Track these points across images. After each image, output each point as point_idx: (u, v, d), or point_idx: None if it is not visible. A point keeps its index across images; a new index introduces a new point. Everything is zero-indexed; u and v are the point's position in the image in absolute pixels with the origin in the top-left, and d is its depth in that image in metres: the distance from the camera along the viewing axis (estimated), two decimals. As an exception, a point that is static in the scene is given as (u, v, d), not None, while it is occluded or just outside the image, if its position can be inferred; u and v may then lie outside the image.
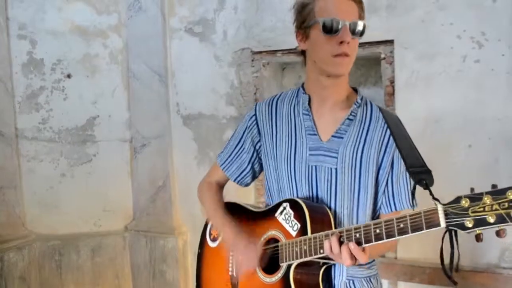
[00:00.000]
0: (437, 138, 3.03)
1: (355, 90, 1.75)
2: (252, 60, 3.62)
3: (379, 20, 3.14)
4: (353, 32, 1.56)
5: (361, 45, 3.19)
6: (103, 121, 3.91)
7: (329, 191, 1.67)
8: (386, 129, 1.66)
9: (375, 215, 1.74)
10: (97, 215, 3.93)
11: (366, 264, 1.71)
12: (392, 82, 3.17)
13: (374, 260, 1.78)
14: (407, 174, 1.64)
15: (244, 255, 1.68)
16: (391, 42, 3.14)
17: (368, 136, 1.66)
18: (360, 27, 1.56)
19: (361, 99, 1.71)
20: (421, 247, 3.08)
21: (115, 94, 3.93)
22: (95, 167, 3.92)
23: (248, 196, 3.51)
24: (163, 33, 3.80)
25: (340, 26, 1.55)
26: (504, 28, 2.83)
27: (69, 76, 3.81)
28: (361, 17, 1.59)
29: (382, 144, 1.66)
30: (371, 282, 1.75)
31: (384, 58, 3.20)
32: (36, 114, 3.77)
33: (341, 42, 1.55)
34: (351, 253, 1.42)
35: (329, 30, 1.56)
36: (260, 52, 3.56)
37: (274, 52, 3.51)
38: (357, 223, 1.66)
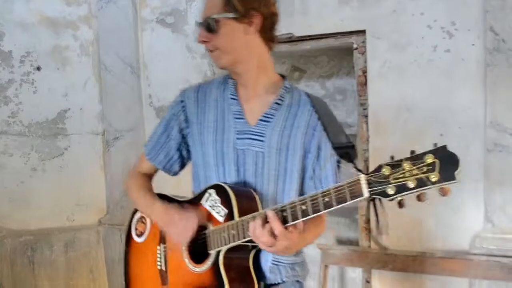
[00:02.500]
0: (409, 127, 3.07)
1: (283, 77, 1.78)
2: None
3: (351, 10, 3.15)
4: (207, 29, 1.63)
5: (333, 35, 3.24)
6: (75, 114, 3.85)
7: (256, 175, 1.69)
8: (313, 114, 1.69)
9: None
10: (70, 210, 3.88)
11: None
12: (364, 72, 3.19)
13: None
14: (335, 158, 1.67)
15: (180, 225, 1.65)
16: (363, 32, 3.16)
17: (295, 121, 1.69)
18: (209, 23, 1.62)
19: (290, 85, 1.75)
20: (394, 235, 3.12)
21: (87, 87, 3.86)
22: (67, 161, 3.86)
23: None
24: (134, 24, 3.75)
25: (198, 27, 1.66)
26: (474, 18, 2.87)
27: (38, 68, 3.73)
28: (221, 10, 1.61)
29: (309, 128, 1.69)
30: (295, 269, 1.77)
31: (356, 48, 3.21)
32: (5, 107, 3.69)
33: (200, 42, 1.66)
34: (273, 235, 1.42)
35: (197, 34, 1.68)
36: (233, 43, 3.54)
37: (247, 43, 3.50)
38: None
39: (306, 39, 3.32)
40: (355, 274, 3.51)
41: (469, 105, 2.93)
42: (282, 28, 3.28)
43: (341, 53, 3.62)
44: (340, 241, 3.89)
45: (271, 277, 1.72)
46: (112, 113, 3.88)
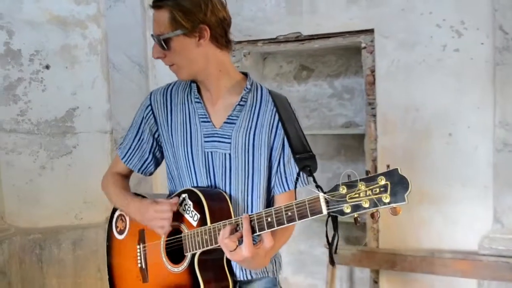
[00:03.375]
0: (417, 126, 3.06)
1: (245, 75, 1.80)
2: (233, 50, 3.60)
3: (359, 9, 3.14)
4: (161, 46, 1.64)
5: (341, 34, 3.24)
6: (83, 113, 3.86)
7: (224, 177, 1.73)
8: (275, 112, 1.71)
9: (269, 197, 1.79)
10: (78, 208, 3.89)
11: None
12: (372, 71, 3.18)
13: None
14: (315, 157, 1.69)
15: (157, 216, 1.68)
16: (371, 31, 3.14)
17: (259, 120, 1.72)
18: (160, 42, 1.63)
19: (251, 84, 1.75)
20: (402, 235, 3.11)
21: (95, 85, 3.87)
22: (75, 159, 3.87)
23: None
24: (143, 23, 3.76)
25: (154, 43, 1.68)
26: (483, 17, 2.86)
27: (47, 67, 3.75)
28: (169, 29, 1.61)
29: (272, 127, 1.72)
30: None
31: (364, 48, 3.20)
32: (14, 106, 3.70)
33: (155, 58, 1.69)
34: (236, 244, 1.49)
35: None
36: (241, 42, 3.54)
37: (255, 41, 3.50)
38: (251, 206, 1.74)
39: (314, 38, 3.31)
40: (363, 274, 3.50)
41: (478, 105, 2.91)
42: (291, 27, 3.30)
43: (349, 52, 3.60)
44: (348, 241, 3.88)
45: (240, 274, 1.76)
46: (120, 112, 3.89)
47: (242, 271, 1.76)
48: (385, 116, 3.14)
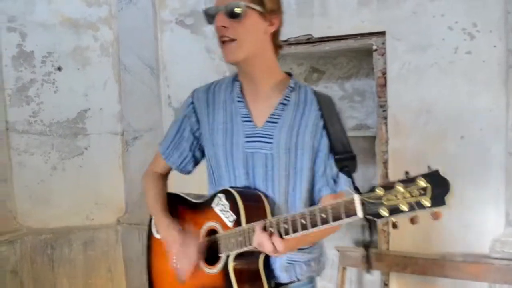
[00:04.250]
0: (429, 129, 3.04)
1: (289, 75, 1.77)
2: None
3: (370, 11, 3.14)
4: (231, 15, 1.57)
5: (353, 36, 3.23)
6: (94, 114, 3.89)
7: (266, 177, 1.69)
8: (319, 112, 1.68)
9: (313, 198, 1.75)
10: (89, 208, 3.92)
11: (307, 248, 1.75)
12: (384, 73, 3.17)
13: (317, 243, 1.80)
14: (356, 158, 1.66)
15: (183, 253, 1.71)
16: (382, 33, 3.13)
17: (303, 120, 1.68)
18: (236, 8, 1.56)
19: (295, 84, 1.73)
20: (413, 238, 3.10)
21: (106, 87, 3.90)
22: (87, 160, 3.90)
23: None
24: (154, 25, 3.77)
25: (214, 13, 1.60)
26: (496, 20, 2.84)
27: (59, 68, 3.78)
28: (250, 0, 1.58)
29: (317, 127, 1.68)
30: (310, 265, 1.77)
31: (376, 50, 3.20)
32: (27, 107, 3.74)
33: (218, 27, 1.59)
34: (272, 242, 1.47)
35: (208, 20, 1.64)
36: (252, 44, 3.55)
37: (265, 44, 3.50)
38: (293, 208, 1.69)
39: (325, 41, 3.31)
40: (373, 276, 3.49)
41: (490, 108, 2.89)
42: (301, 29, 3.30)
43: (361, 54, 3.60)
44: (359, 243, 3.87)
45: (285, 276, 1.73)
46: (131, 113, 3.91)
47: (288, 273, 1.72)
48: (396, 119, 3.13)
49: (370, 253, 1.46)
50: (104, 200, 3.94)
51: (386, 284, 3.23)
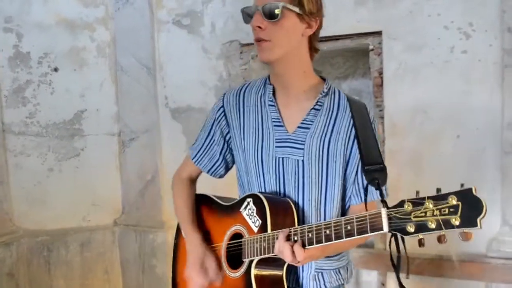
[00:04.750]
0: (425, 128, 3.05)
1: (324, 79, 1.73)
2: (241, 53, 3.61)
3: (367, 11, 3.14)
4: (268, 15, 1.54)
5: (349, 36, 3.23)
6: (91, 115, 3.88)
7: (296, 184, 1.65)
8: (352, 121, 1.63)
9: (344, 206, 1.72)
10: (85, 210, 3.91)
11: (335, 256, 1.72)
12: (380, 73, 3.17)
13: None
14: (386, 170, 1.60)
15: (194, 280, 1.73)
16: (379, 33, 3.14)
17: (335, 126, 1.64)
18: (274, 9, 1.53)
19: (329, 89, 1.68)
20: (410, 238, 3.10)
21: (103, 88, 3.90)
22: (83, 161, 3.89)
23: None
24: (150, 25, 3.77)
25: (252, 12, 1.57)
26: (491, 19, 2.85)
27: (56, 69, 3.77)
28: (288, 1, 1.54)
29: (350, 134, 1.64)
30: (339, 273, 1.74)
31: (372, 50, 3.20)
32: (23, 108, 3.73)
33: (254, 27, 1.56)
34: (293, 252, 1.44)
35: (246, 19, 1.61)
36: (249, 44, 3.55)
37: (262, 44, 3.50)
38: (325, 215, 1.66)
39: (322, 40, 3.29)
40: (370, 277, 3.48)
41: (486, 107, 2.89)
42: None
43: (357, 54, 3.60)
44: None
45: (313, 284, 1.69)
46: (128, 114, 3.91)
47: (316, 281, 1.69)
48: (392, 119, 3.14)
49: (398, 273, 1.36)
50: (101, 202, 3.94)
51: (383, 284, 3.23)
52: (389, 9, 3.08)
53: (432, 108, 3.03)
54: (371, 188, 1.59)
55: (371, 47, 3.20)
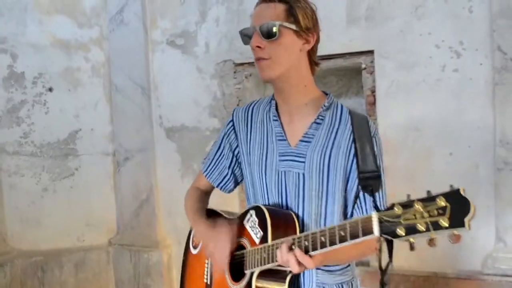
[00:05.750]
0: (418, 146, 3.07)
1: (326, 94, 1.74)
2: (235, 72, 3.64)
3: (359, 30, 3.18)
4: (266, 35, 1.57)
5: (342, 55, 3.27)
6: (85, 135, 3.89)
7: (297, 197, 1.66)
8: (351, 131, 1.64)
9: (346, 219, 1.70)
10: (80, 230, 3.89)
11: (338, 270, 1.70)
12: (373, 91, 3.20)
13: (348, 266, 1.75)
14: (381, 177, 1.62)
15: (217, 246, 1.68)
16: (371, 52, 3.17)
17: (336, 140, 1.65)
18: (271, 28, 1.56)
19: (331, 103, 1.69)
20: (405, 255, 3.10)
21: (98, 107, 3.91)
22: (78, 181, 3.89)
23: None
24: (145, 45, 3.80)
25: (250, 33, 1.61)
26: (481, 38, 2.88)
27: (50, 89, 3.79)
28: (285, 20, 1.58)
29: (351, 148, 1.64)
30: None
31: (364, 68, 3.23)
32: (17, 128, 3.74)
33: (254, 48, 1.60)
34: (298, 260, 1.43)
35: (245, 40, 1.65)
36: (243, 64, 3.58)
37: (256, 63, 3.53)
38: None
39: (315, 60, 3.34)
40: (365, 295, 3.48)
41: (478, 125, 2.92)
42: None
43: (350, 73, 3.63)
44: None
45: None
46: (122, 134, 3.91)
47: None
48: (385, 136, 3.14)
49: (384, 277, 1.33)
50: (95, 221, 3.93)
51: (378, 302, 3.21)
52: (380, 29, 3.12)
53: (424, 125, 3.05)
54: (366, 200, 1.63)
55: (363, 65, 3.23)
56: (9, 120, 3.72)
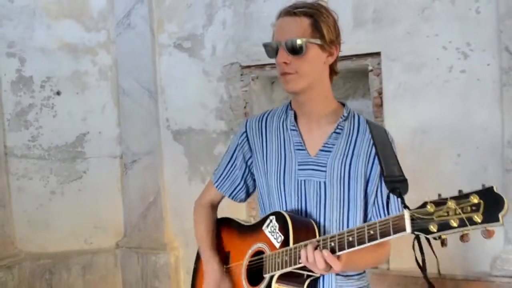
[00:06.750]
0: (425, 148, 3.06)
1: (343, 104, 1.76)
2: (241, 75, 3.64)
3: (366, 32, 3.18)
4: (291, 51, 1.59)
5: (349, 57, 3.26)
6: (93, 138, 3.91)
7: (318, 205, 1.68)
8: (372, 142, 1.66)
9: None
10: (87, 232, 3.91)
11: (355, 275, 1.72)
12: (380, 93, 3.20)
13: (364, 272, 1.77)
14: (407, 181, 1.61)
15: None
16: (378, 54, 3.17)
17: (355, 149, 1.67)
18: (296, 44, 1.58)
19: (348, 113, 1.72)
20: (413, 257, 3.08)
21: (105, 111, 3.93)
22: (85, 184, 3.90)
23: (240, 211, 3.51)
24: (152, 49, 3.82)
25: (276, 48, 1.62)
26: (488, 38, 2.88)
27: (58, 93, 3.81)
28: (310, 35, 1.59)
29: (369, 157, 1.67)
30: None
31: (371, 70, 3.23)
32: (26, 131, 3.76)
33: (280, 63, 1.61)
34: (325, 261, 1.43)
35: (270, 53, 1.65)
36: (249, 67, 3.59)
37: (263, 66, 3.54)
38: None
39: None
40: (373, 297, 3.46)
41: (486, 126, 2.91)
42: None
43: (357, 75, 3.63)
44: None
45: None
46: (130, 137, 3.93)
47: None
48: (393, 138, 3.15)
49: (426, 274, 1.38)
50: (103, 224, 3.94)
51: (386, 304, 3.21)
52: (387, 31, 3.12)
53: (432, 127, 3.04)
54: (392, 206, 1.65)
55: (370, 67, 3.23)
56: (17, 124, 3.74)
